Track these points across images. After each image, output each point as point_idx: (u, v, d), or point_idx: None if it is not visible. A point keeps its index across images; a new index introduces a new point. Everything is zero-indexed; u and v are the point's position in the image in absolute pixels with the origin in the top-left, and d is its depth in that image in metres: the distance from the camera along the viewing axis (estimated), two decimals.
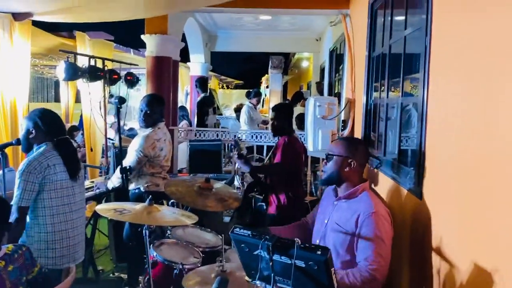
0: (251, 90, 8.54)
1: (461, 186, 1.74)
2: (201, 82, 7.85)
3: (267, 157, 3.95)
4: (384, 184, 2.94)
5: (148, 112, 3.55)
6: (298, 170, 3.71)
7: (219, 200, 2.77)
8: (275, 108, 3.80)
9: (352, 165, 2.18)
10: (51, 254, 2.52)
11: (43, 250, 2.50)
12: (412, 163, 2.50)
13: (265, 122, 8.26)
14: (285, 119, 3.67)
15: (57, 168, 2.51)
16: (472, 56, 1.70)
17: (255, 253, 1.57)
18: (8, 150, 3.38)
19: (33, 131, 2.52)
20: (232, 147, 3.36)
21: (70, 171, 2.58)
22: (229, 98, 19.08)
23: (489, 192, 1.51)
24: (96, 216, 3.97)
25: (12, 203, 2.38)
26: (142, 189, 3.57)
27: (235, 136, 5.84)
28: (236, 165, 5.83)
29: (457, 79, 1.85)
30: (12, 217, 2.36)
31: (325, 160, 2.27)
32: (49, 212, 2.50)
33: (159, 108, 3.65)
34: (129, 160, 3.49)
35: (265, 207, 3.75)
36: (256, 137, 5.98)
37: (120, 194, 3.55)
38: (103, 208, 2.34)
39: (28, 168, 2.41)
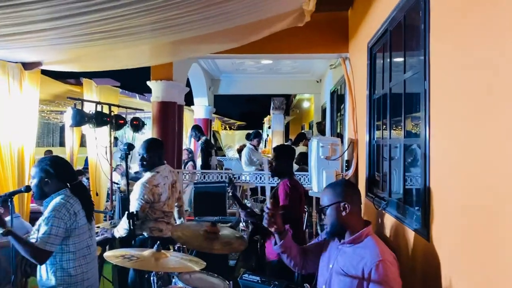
0: (250, 132, 8.63)
1: (471, 227, 1.74)
2: (199, 129, 8.01)
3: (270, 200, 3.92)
4: (390, 225, 2.92)
5: (145, 156, 3.60)
6: (300, 214, 3.62)
7: (226, 243, 2.76)
8: (276, 149, 3.76)
9: (347, 208, 2.17)
10: None
11: None
12: (418, 203, 2.50)
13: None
14: (285, 160, 3.60)
15: (80, 213, 2.59)
16: (472, 95, 1.74)
17: None
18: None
19: (47, 180, 2.58)
20: (226, 185, 3.35)
21: (87, 214, 2.67)
22: (232, 139, 19.24)
23: (501, 232, 1.50)
24: (101, 262, 3.92)
25: (37, 245, 2.43)
26: (145, 234, 3.55)
27: (228, 175, 5.86)
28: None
29: (458, 118, 1.88)
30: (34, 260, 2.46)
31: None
32: (73, 256, 2.57)
33: (157, 152, 3.66)
34: (132, 209, 3.48)
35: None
36: (260, 178, 5.99)
37: (126, 240, 3.53)
38: (111, 255, 2.34)
39: (59, 214, 2.47)
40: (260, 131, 11.81)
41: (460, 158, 1.85)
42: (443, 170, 2.06)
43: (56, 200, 2.54)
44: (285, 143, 8.24)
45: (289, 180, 3.48)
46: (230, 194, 3.57)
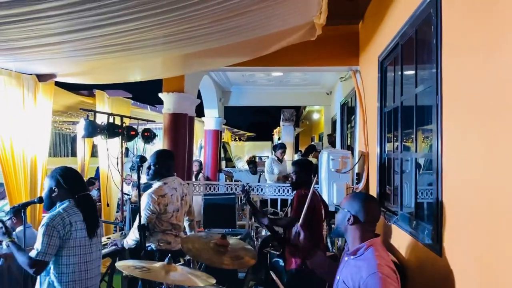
0: (277, 143, 8.86)
1: (485, 242, 1.72)
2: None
3: (284, 212, 3.93)
4: (401, 239, 2.89)
5: (153, 166, 3.60)
6: (319, 223, 3.60)
7: (235, 258, 2.74)
8: (295, 163, 3.79)
9: (351, 221, 2.19)
10: None
11: None
12: (429, 217, 2.48)
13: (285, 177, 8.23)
14: (305, 174, 3.64)
15: (78, 225, 2.53)
16: (485, 109, 1.73)
17: None
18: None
19: (56, 189, 2.57)
20: (241, 192, 3.38)
21: (89, 228, 2.59)
22: (242, 150, 19.27)
23: None
24: (111, 272, 3.94)
25: (32, 255, 2.40)
26: (153, 247, 3.54)
27: (243, 183, 5.84)
28: (251, 220, 5.80)
29: (471, 132, 1.87)
30: (30, 271, 2.41)
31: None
32: (66, 270, 2.49)
33: (166, 163, 3.64)
34: (142, 220, 3.48)
35: (282, 262, 3.67)
36: (279, 190, 5.97)
37: (136, 251, 3.53)
38: (122, 264, 2.34)
39: (52, 222, 2.43)
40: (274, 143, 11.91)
41: (473, 171, 1.84)
42: (456, 184, 2.04)
43: (56, 210, 2.53)
44: (303, 157, 8.28)
45: (303, 189, 3.52)
46: (244, 200, 3.63)
